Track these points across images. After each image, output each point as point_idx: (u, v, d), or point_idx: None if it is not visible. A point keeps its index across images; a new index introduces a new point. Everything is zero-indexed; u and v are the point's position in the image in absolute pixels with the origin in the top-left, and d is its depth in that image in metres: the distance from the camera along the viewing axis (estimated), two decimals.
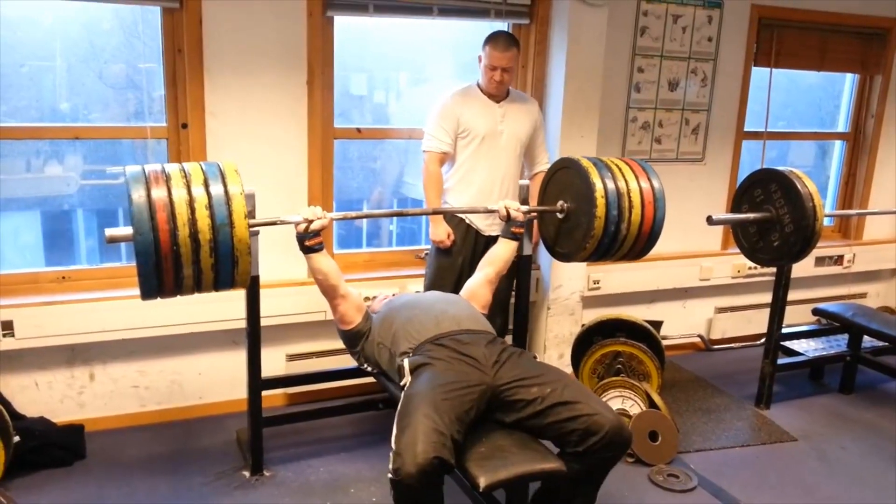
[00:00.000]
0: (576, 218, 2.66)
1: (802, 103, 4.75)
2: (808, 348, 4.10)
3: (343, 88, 3.34)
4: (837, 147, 4.74)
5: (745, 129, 4.18)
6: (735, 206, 3.35)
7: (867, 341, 3.83)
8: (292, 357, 3.36)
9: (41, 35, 2.94)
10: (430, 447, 1.95)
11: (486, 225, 3.25)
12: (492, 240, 3.22)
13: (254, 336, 2.67)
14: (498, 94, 3.20)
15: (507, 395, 2.25)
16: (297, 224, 2.43)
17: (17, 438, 2.67)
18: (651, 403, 3.07)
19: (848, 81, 4.60)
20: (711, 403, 3.61)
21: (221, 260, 2.06)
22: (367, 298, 3.21)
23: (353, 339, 2.67)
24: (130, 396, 3.16)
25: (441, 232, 3.19)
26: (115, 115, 3.08)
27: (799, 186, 3.05)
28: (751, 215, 3.22)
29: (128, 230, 2.00)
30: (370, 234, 4.24)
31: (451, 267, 3.24)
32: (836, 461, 3.12)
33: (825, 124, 4.77)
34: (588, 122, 3.52)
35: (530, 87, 3.56)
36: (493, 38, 3.13)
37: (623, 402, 3.08)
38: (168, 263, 2.01)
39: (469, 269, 3.18)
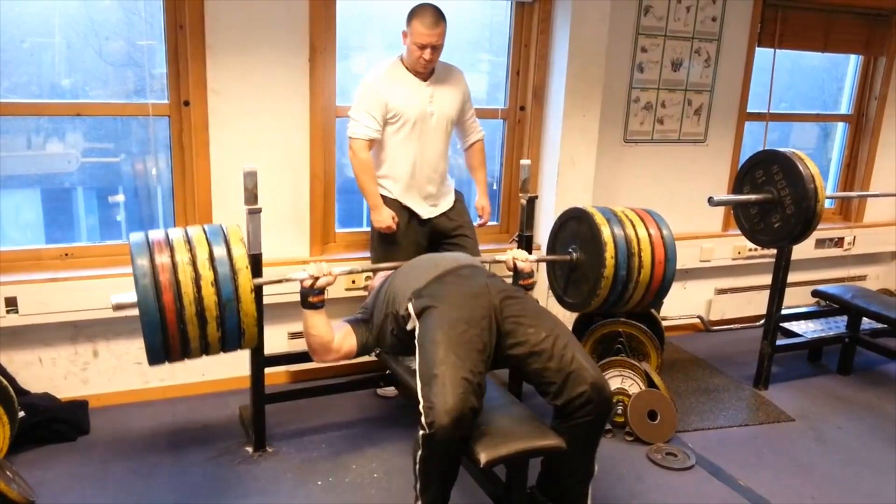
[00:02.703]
0: (583, 270, 2.60)
1: (805, 85, 4.73)
2: (806, 330, 4.13)
3: (345, 67, 3.32)
4: (840, 129, 4.73)
5: (748, 111, 4.17)
6: (736, 187, 3.35)
7: (866, 323, 3.85)
8: (294, 335, 3.37)
9: (41, 10, 2.92)
10: (459, 397, 1.99)
11: (426, 209, 3.12)
12: (429, 223, 3.12)
13: (257, 314, 2.67)
14: (425, 72, 3.01)
15: (505, 326, 2.28)
16: (302, 281, 2.37)
17: (21, 414, 2.69)
18: (650, 383, 3.09)
19: (851, 63, 4.58)
20: (710, 383, 3.64)
21: (228, 332, 2.08)
22: (367, 278, 3.24)
23: (366, 351, 2.62)
24: (133, 373, 3.18)
25: (386, 216, 3.02)
26: (115, 93, 3.07)
27: (800, 168, 3.05)
28: (752, 196, 3.22)
29: (133, 297, 1.98)
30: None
31: (395, 255, 3.07)
32: (833, 441, 3.15)
33: (828, 106, 4.75)
34: (591, 101, 3.51)
35: (533, 67, 3.54)
36: (420, 13, 2.88)
37: (622, 381, 3.10)
38: (175, 340, 2.02)
39: (413, 254, 3.02)
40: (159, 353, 2.04)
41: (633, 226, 2.53)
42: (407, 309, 2.36)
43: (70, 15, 2.97)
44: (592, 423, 2.20)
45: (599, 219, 2.51)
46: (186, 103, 3.00)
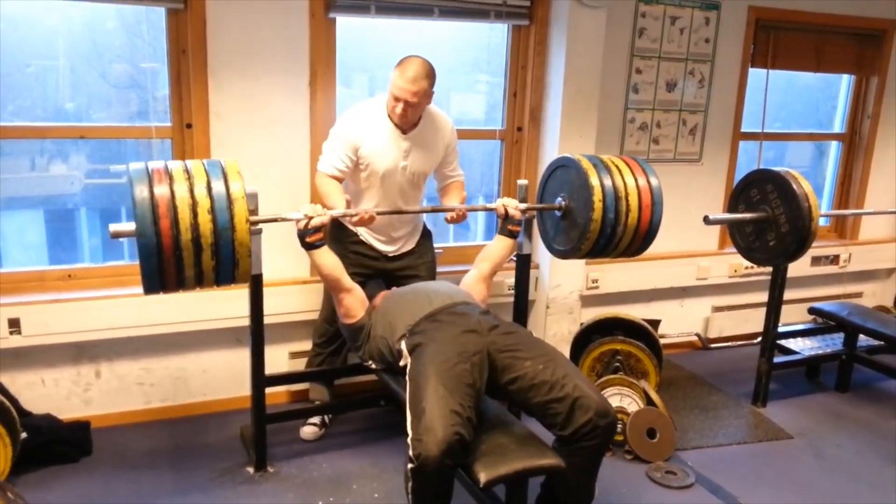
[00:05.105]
0: (572, 217, 2.70)
1: (799, 104, 4.78)
2: (804, 347, 4.14)
3: (345, 88, 3.36)
4: (834, 147, 4.78)
5: (742, 130, 4.22)
6: (731, 206, 3.39)
7: (863, 340, 3.87)
8: (295, 354, 3.39)
9: (45, 35, 2.96)
10: (448, 429, 2.00)
11: (382, 246, 3.06)
12: (383, 256, 3.08)
13: (257, 334, 2.70)
14: (403, 125, 2.85)
15: (502, 361, 2.30)
16: (297, 221, 2.50)
17: (24, 435, 2.69)
18: (649, 401, 3.11)
19: (844, 82, 4.64)
20: (708, 401, 3.65)
21: (222, 262, 2.11)
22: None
23: (356, 334, 2.72)
24: (136, 393, 3.19)
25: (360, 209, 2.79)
26: (118, 115, 3.11)
27: (794, 187, 3.09)
28: (747, 215, 3.26)
29: (131, 226, 2.04)
30: None
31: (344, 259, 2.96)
32: (832, 458, 3.16)
33: (822, 125, 4.81)
34: (587, 122, 3.55)
35: (530, 88, 3.59)
36: (404, 63, 2.70)
37: (621, 399, 3.12)
38: (170, 265, 2.05)
39: (375, 284, 3.03)
40: (154, 279, 2.06)
41: (621, 172, 2.62)
42: (399, 345, 2.43)
43: (74, 39, 3.02)
44: (597, 447, 2.22)
45: (587, 165, 2.60)
46: (189, 126, 3.04)
